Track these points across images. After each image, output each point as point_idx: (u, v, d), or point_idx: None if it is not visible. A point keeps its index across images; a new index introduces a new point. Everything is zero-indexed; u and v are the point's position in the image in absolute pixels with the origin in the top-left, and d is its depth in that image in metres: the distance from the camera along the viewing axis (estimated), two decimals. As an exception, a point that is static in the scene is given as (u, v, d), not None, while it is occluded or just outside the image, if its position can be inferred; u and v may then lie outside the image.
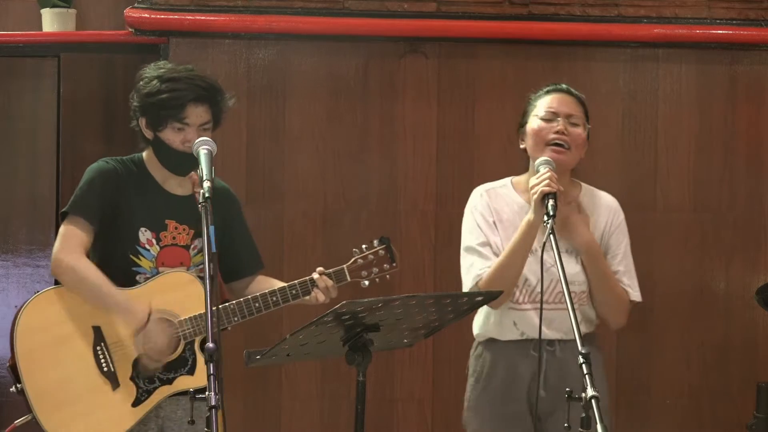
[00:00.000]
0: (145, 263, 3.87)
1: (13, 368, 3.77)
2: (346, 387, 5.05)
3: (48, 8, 5.46)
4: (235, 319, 3.85)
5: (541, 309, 3.65)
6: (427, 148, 5.28)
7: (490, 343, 4.01)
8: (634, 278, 4.02)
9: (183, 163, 3.87)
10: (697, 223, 5.37)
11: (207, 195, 3.31)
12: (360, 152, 5.27)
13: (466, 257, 3.98)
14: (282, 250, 5.21)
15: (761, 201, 5.40)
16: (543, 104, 3.97)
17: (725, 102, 5.37)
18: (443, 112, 5.29)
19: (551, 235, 3.49)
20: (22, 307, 3.80)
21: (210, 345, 3.11)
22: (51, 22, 5.48)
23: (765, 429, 4.64)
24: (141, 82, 3.89)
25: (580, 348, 3.20)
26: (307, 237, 5.24)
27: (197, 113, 3.84)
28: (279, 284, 3.95)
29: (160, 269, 3.87)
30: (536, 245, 3.84)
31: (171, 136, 3.84)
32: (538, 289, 3.76)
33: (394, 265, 4.01)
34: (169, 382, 3.84)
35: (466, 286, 3.94)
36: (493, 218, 3.97)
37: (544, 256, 3.64)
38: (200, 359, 3.85)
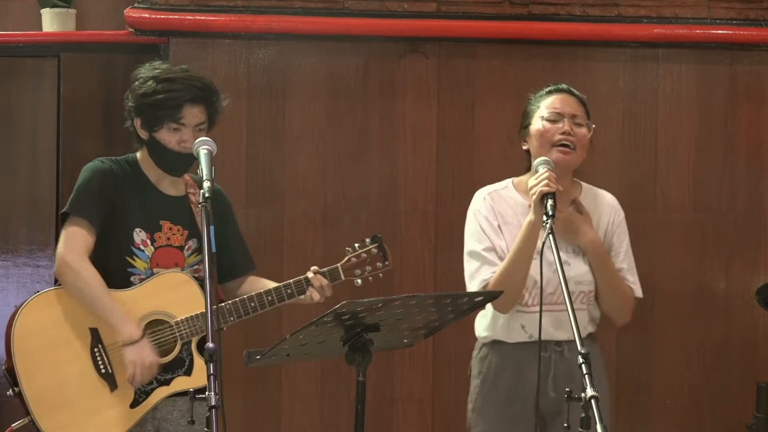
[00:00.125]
0: (140, 264, 3.86)
1: (10, 371, 3.75)
2: (346, 387, 5.05)
3: (48, 8, 5.46)
4: (231, 319, 3.85)
5: (541, 308, 3.65)
6: (427, 148, 5.28)
7: (497, 345, 4.01)
8: (636, 275, 4.05)
9: (178, 163, 3.87)
10: (697, 223, 5.37)
11: (207, 195, 3.31)
12: (360, 152, 5.27)
13: (470, 262, 3.97)
14: (282, 250, 5.21)
15: (761, 201, 5.40)
16: (546, 105, 3.97)
17: (725, 102, 5.37)
18: (443, 112, 5.29)
19: (551, 235, 3.49)
20: (18, 309, 3.79)
21: (210, 345, 3.11)
22: (51, 22, 5.47)
23: (765, 429, 4.64)
24: (136, 83, 3.89)
25: (579, 348, 3.21)
26: (307, 237, 5.24)
27: (193, 113, 3.84)
28: (271, 284, 3.95)
29: (155, 270, 3.87)
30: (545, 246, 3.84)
31: (167, 137, 3.84)
32: (548, 290, 3.77)
33: (386, 263, 4.01)
34: (167, 383, 3.84)
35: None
36: (497, 221, 3.97)
37: (551, 258, 3.64)
38: (197, 360, 3.86)
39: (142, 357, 3.75)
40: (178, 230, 3.92)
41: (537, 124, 3.96)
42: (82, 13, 5.57)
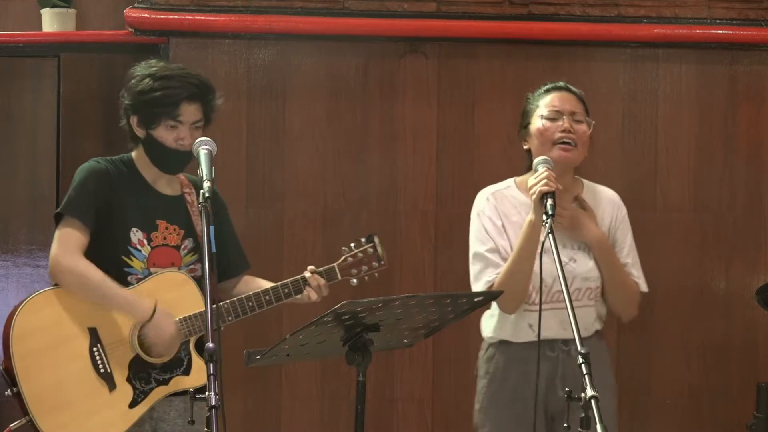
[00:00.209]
0: (137, 264, 3.86)
1: (8, 371, 3.74)
2: (346, 387, 5.05)
3: (48, 8, 5.46)
4: (230, 318, 3.85)
5: (540, 307, 3.64)
6: (427, 148, 5.28)
7: (503, 345, 4.02)
8: (640, 269, 4.08)
9: (175, 161, 3.87)
10: (697, 223, 5.37)
11: (207, 195, 3.31)
12: (360, 152, 5.27)
13: (475, 264, 3.99)
14: (282, 250, 5.21)
15: (761, 201, 5.40)
16: (545, 103, 3.97)
17: (725, 102, 5.36)
18: (443, 112, 5.29)
19: (550, 235, 3.49)
20: (16, 309, 3.77)
21: (210, 345, 3.11)
22: (51, 22, 5.47)
23: (765, 429, 4.64)
24: (132, 81, 3.88)
25: (579, 348, 3.21)
26: (307, 237, 5.24)
27: (190, 111, 3.84)
28: (266, 284, 3.96)
29: (152, 270, 3.86)
30: (547, 245, 3.84)
31: (164, 134, 3.84)
32: (555, 288, 3.77)
33: (382, 263, 4.01)
34: (165, 382, 3.84)
35: None
36: (501, 221, 3.97)
37: (552, 256, 3.64)
38: (195, 359, 3.86)
39: (160, 334, 3.77)
40: (174, 230, 3.91)
41: (537, 122, 3.96)
42: (82, 13, 5.57)
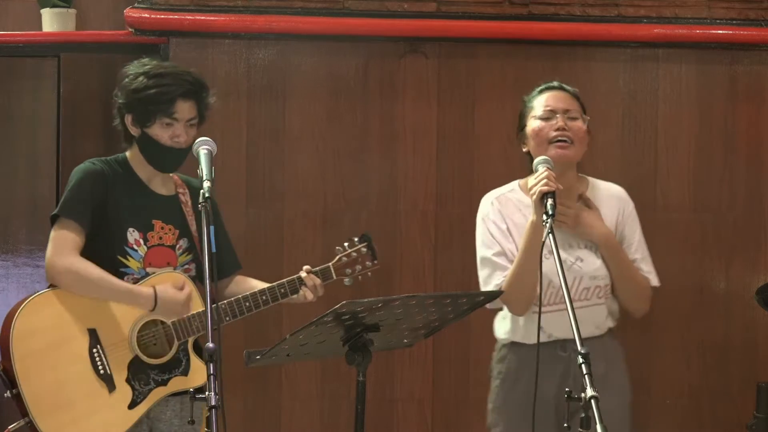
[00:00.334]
0: (133, 264, 3.86)
1: (7, 372, 3.73)
2: (346, 387, 5.05)
3: (48, 8, 5.46)
4: (227, 318, 3.85)
5: (540, 307, 3.65)
6: (427, 148, 5.28)
7: (515, 346, 4.02)
8: (651, 264, 4.08)
9: (171, 158, 3.87)
10: (697, 223, 5.37)
11: (207, 195, 3.31)
12: (360, 152, 5.27)
13: (483, 269, 4.00)
14: (282, 250, 5.21)
15: (761, 201, 5.40)
16: (539, 104, 4.00)
17: (725, 102, 5.36)
18: (443, 112, 5.28)
19: (551, 235, 3.49)
20: (15, 309, 3.77)
21: (210, 345, 3.11)
22: (51, 22, 5.47)
23: (765, 429, 4.64)
24: (126, 79, 3.87)
25: (579, 348, 3.21)
26: (307, 237, 5.24)
27: (185, 108, 3.84)
28: (258, 284, 3.97)
29: (148, 270, 3.86)
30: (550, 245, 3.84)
31: (159, 132, 3.84)
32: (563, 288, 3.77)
33: (375, 262, 4.02)
34: (164, 383, 3.84)
35: None
36: (506, 225, 3.98)
37: (563, 256, 3.64)
38: (193, 360, 3.86)
39: (174, 309, 3.79)
40: (170, 229, 3.91)
41: (532, 123, 3.98)
42: (82, 13, 5.57)
